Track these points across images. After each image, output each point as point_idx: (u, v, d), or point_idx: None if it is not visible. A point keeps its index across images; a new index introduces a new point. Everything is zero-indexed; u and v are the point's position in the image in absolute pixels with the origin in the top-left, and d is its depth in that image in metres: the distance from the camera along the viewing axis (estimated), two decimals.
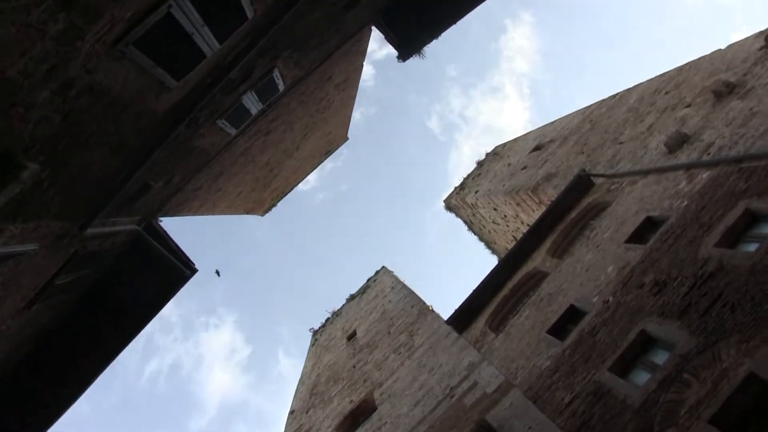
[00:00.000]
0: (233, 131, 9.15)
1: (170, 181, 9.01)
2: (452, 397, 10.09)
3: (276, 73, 8.50)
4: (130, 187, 7.45)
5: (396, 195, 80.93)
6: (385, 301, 20.31)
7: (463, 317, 13.76)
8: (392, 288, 21.16)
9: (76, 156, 5.68)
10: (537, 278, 13.03)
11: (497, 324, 12.85)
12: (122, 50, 4.74)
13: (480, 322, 13.29)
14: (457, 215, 27.63)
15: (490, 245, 26.42)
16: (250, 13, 6.07)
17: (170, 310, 72.28)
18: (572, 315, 10.25)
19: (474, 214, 25.26)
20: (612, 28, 73.22)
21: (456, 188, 27.20)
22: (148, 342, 74.07)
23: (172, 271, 9.38)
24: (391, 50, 10.29)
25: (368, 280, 25.29)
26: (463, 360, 11.20)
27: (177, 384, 73.74)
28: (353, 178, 79.21)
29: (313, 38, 8.87)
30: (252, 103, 8.66)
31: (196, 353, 75.80)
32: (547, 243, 13.73)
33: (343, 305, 25.04)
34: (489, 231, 24.93)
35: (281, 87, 9.12)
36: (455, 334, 12.73)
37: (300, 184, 22.90)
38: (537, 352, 10.23)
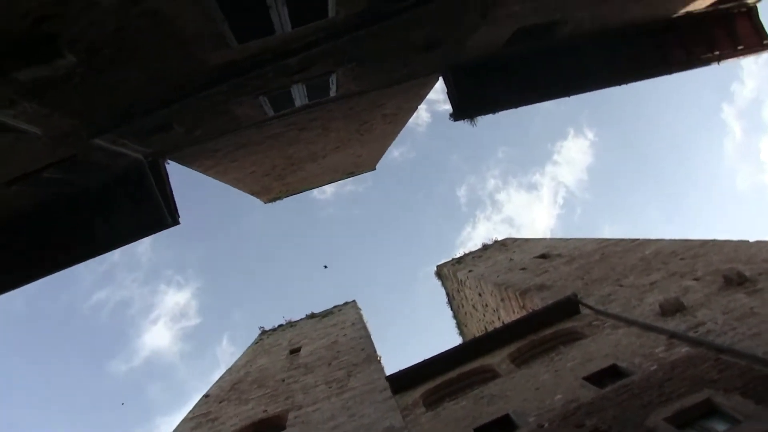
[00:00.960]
0: (271, 113, 9.19)
1: (192, 132, 9.02)
2: None
3: (333, 78, 8.56)
4: (153, 119, 7.46)
5: (398, 240, 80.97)
6: (341, 334, 20.15)
7: (404, 380, 13.58)
8: (353, 324, 21.03)
9: (115, 69, 5.71)
10: (488, 376, 12.89)
11: (432, 401, 12.67)
12: None
13: (417, 392, 13.10)
14: (443, 285, 27.56)
15: (460, 326, 26.31)
16: (332, 13, 6.14)
17: (143, 249, 71.98)
18: (504, 424, 10.11)
19: (458, 291, 25.17)
20: (665, 176, 73.93)
21: (453, 260, 27.14)
22: (109, 271, 73.77)
23: (156, 214, 9.33)
24: (449, 105, 10.33)
25: (335, 306, 25.19)
26: (385, 420, 11.05)
27: (116, 321, 73.17)
28: (367, 208, 79.42)
29: (381, 63, 8.95)
30: (299, 94, 8.72)
31: (148, 302, 75.33)
32: (512, 347, 13.63)
33: (301, 319, 24.88)
34: (465, 312, 24.82)
35: (332, 93, 9.18)
36: (389, 393, 12.58)
37: (315, 192, 22.93)
38: None
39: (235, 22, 5.64)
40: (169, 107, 7.24)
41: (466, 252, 27.33)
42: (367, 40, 7.32)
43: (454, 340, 30.63)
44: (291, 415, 13.04)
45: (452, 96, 10.16)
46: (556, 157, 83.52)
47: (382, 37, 7.44)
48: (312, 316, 24.82)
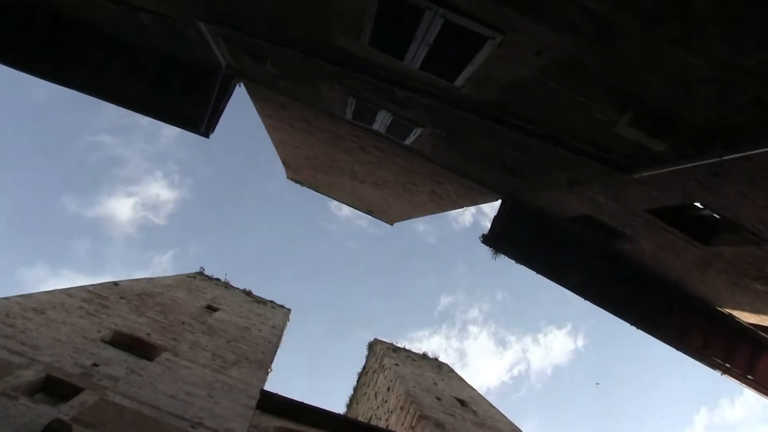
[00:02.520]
0: (348, 116, 9.26)
1: (279, 79, 9.13)
2: (182, 419, 9.75)
3: (417, 131, 8.63)
4: (257, 46, 7.57)
5: (367, 294, 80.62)
6: (258, 327, 19.91)
7: (274, 404, 13.32)
8: (273, 327, 20.83)
9: None
10: None
11: None
12: None
13: (275, 422, 12.83)
14: (367, 357, 27.17)
15: (353, 399, 25.87)
16: (459, 82, 6.18)
17: (167, 133, 72.20)
18: None
19: (375, 372, 24.79)
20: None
21: (392, 345, 26.84)
22: (128, 126, 74.17)
23: (197, 115, 9.39)
24: (488, 225, 10.38)
25: (272, 302, 25.00)
26: (231, 422, 10.81)
27: (99, 169, 73.10)
28: (366, 248, 79.40)
29: (465, 150, 9.02)
30: (381, 120, 8.78)
31: (137, 175, 75.26)
32: None
33: (237, 288, 24.70)
34: (365, 393, 24.42)
35: (407, 141, 9.24)
36: (253, 404, 12.34)
37: (334, 203, 22.92)
38: None
39: (378, 28, 5.71)
40: (278, 47, 7.33)
41: (407, 348, 27.06)
42: (469, 126, 7.38)
43: (337, 405, 30.17)
44: (165, 354, 12.79)
45: (495, 223, 10.19)
46: (540, 336, 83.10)
47: (482, 132, 7.51)
48: (248, 293, 24.62)
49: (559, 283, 10.64)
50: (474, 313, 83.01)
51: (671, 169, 5.67)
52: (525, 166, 8.29)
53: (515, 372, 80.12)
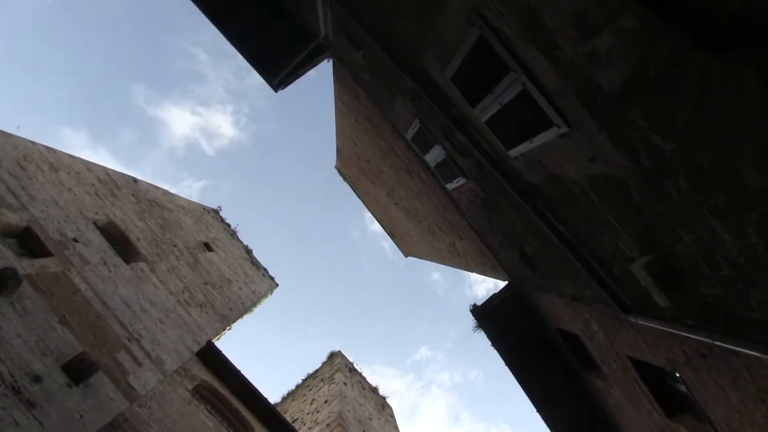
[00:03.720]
0: (408, 136, 9.30)
1: (365, 70, 9.21)
2: (123, 328, 9.79)
3: (460, 181, 8.62)
4: (357, 28, 7.67)
5: (355, 311, 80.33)
6: (243, 288, 19.97)
7: (211, 357, 13.35)
8: (253, 293, 20.85)
9: None
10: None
11: (198, 392, 12.39)
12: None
13: (203, 375, 12.85)
14: (324, 364, 27.02)
15: (290, 396, 25.72)
16: (514, 153, 6.18)
17: (247, 70, 73.13)
18: None
19: (322, 380, 24.66)
20: None
21: (351, 364, 26.71)
22: (220, 47, 75.33)
23: (276, 64, 9.52)
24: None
25: (270, 278, 25.09)
26: (167, 354, 10.84)
27: (175, 74, 74.38)
28: (374, 264, 79.21)
29: (495, 221, 8.96)
30: (434, 155, 8.79)
31: (205, 97, 76.38)
32: None
33: (245, 248, 24.82)
34: (304, 395, 24.27)
35: (447, 186, 9.23)
36: (195, 349, 12.37)
37: (369, 214, 22.92)
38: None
39: (464, 67, 5.74)
40: (375, 43, 7.41)
41: (363, 374, 26.87)
42: (508, 198, 7.34)
43: (273, 394, 30.04)
44: (142, 264, 12.89)
45: (492, 300, 10.11)
46: (492, 429, 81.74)
47: (516, 210, 7.46)
48: (248, 251, 24.75)
49: (521, 384, 10.49)
50: (444, 377, 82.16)
51: (665, 329, 5.54)
52: (541, 261, 8.21)
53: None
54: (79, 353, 8.28)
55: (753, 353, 4.40)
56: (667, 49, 3.31)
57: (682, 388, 6.69)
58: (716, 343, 4.76)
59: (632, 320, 6.14)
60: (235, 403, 13.20)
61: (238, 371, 13.74)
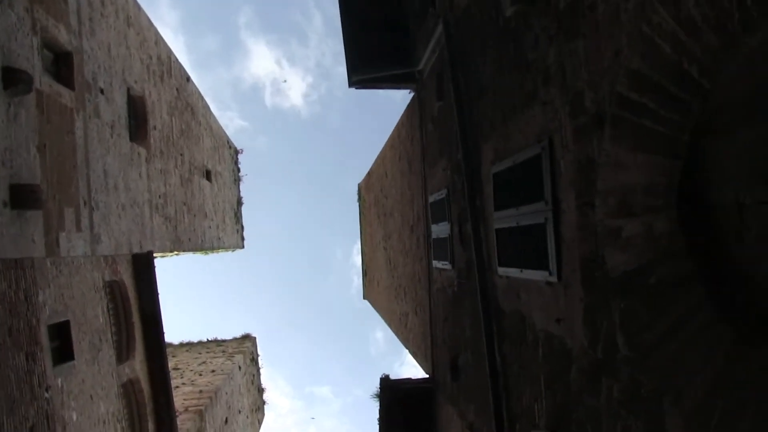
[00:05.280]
0: (428, 198, 9.34)
1: (433, 110, 9.30)
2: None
3: (447, 266, 8.62)
4: (445, 82, 7.77)
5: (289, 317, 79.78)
6: (212, 231, 19.93)
7: (142, 260, 13.24)
8: (220, 237, 20.80)
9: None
10: None
11: None
12: None
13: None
14: (232, 341, 26.77)
15: (188, 346, 25.40)
16: (501, 272, 6.18)
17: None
18: None
19: (224, 352, 24.38)
20: None
21: (256, 357, 26.44)
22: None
23: (359, 65, 9.66)
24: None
25: (242, 227, 25.05)
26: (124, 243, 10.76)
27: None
28: (338, 292, 78.78)
29: (449, 323, 8.92)
30: (439, 228, 8.83)
31: (309, 57, 77.10)
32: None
33: (237, 189, 24.81)
34: (199, 354, 23.98)
35: (434, 265, 9.23)
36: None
37: (357, 248, 23.02)
38: None
39: (510, 171, 5.79)
40: (456, 96, 7.51)
41: (261, 373, 26.60)
42: (472, 307, 7.31)
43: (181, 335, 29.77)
44: (145, 152, 12.88)
45: (404, 381, 10.02)
46: None
47: (473, 323, 7.42)
48: (239, 203, 24.83)
49: None
50: (327, 425, 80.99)
51: None
52: (465, 378, 8.12)
53: None
54: (35, 185, 8.23)
55: None
56: (680, 274, 3.31)
57: None
58: None
59: None
60: (135, 319, 13.02)
61: (157, 296, 13.58)
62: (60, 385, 9.27)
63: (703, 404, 3.08)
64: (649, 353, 3.63)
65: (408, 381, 10.18)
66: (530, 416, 5.63)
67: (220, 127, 22.31)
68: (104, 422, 10.89)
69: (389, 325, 15.97)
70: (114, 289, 12.29)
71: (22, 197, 7.88)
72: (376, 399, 10.04)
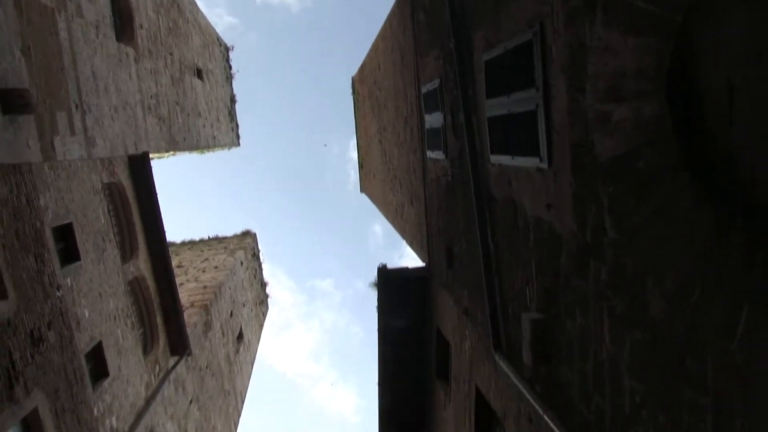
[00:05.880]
0: (421, 89, 9.24)
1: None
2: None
3: (441, 155, 8.66)
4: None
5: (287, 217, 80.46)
6: (206, 129, 19.79)
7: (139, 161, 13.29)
8: (215, 135, 20.70)
9: None
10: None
11: None
12: None
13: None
14: (234, 237, 27.19)
15: (191, 245, 25.85)
16: (494, 160, 6.22)
17: None
18: None
19: (226, 248, 24.84)
20: None
21: (257, 252, 26.94)
22: None
23: None
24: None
25: (237, 125, 24.88)
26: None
27: None
28: (331, 189, 79.14)
29: (444, 212, 9.06)
30: (432, 118, 8.79)
31: None
32: None
33: (230, 89, 24.44)
34: (201, 251, 24.43)
35: (429, 154, 9.25)
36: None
37: (353, 144, 22.91)
38: None
39: (501, 58, 5.72)
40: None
41: (262, 268, 27.16)
42: (465, 196, 7.41)
43: (182, 234, 30.20)
44: (133, 51, 12.62)
45: (402, 270, 10.29)
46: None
47: (466, 213, 7.54)
48: (230, 110, 24.52)
49: (379, 357, 10.80)
50: (328, 316, 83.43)
51: (515, 382, 5.77)
52: (459, 265, 8.34)
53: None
54: (23, 89, 8.13)
55: None
56: (667, 159, 3.36)
57: None
58: (545, 417, 4.98)
59: (496, 358, 6.35)
60: (135, 219, 13.21)
61: (156, 195, 13.70)
62: (69, 284, 9.55)
63: (684, 284, 3.22)
64: (635, 236, 3.74)
65: (405, 270, 10.46)
66: (522, 300, 5.86)
67: (209, 24, 21.71)
68: (115, 318, 11.29)
69: (386, 216, 16.20)
70: (113, 191, 12.41)
71: (11, 102, 7.82)
72: (375, 288, 10.37)
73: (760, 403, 2.64)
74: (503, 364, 6.12)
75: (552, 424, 4.86)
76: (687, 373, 3.16)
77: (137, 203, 13.28)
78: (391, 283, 10.17)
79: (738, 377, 2.78)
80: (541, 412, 5.02)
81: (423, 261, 10.74)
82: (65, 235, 9.76)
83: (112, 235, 12.02)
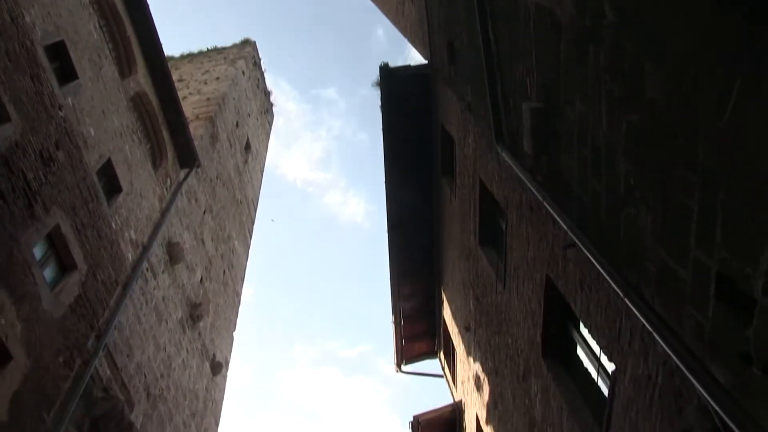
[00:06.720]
0: None
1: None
2: None
3: None
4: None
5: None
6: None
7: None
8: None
9: None
10: None
11: None
12: None
13: None
14: (233, 47, 26.52)
15: (187, 58, 25.30)
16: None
17: None
18: None
19: (225, 59, 24.35)
20: None
21: (259, 62, 26.40)
22: None
23: None
24: None
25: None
26: None
27: None
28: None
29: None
30: None
31: None
32: None
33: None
34: (201, 64, 23.97)
35: None
36: None
37: None
38: None
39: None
40: None
41: (265, 77, 26.77)
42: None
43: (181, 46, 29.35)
44: None
45: (405, 68, 10.16)
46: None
47: (467, 3, 7.26)
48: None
49: (386, 157, 10.97)
50: (335, 123, 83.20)
51: (517, 172, 5.92)
52: (461, 59, 8.20)
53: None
54: None
55: (563, 225, 4.86)
56: None
57: (502, 225, 7.33)
58: (545, 204, 5.18)
59: (498, 150, 6.47)
60: (130, 33, 12.81)
61: (147, 7, 13.12)
62: (71, 103, 9.54)
63: (681, 63, 3.18)
64: (633, 19, 3.64)
65: (408, 68, 10.29)
66: (522, 90, 5.84)
67: None
68: (121, 135, 11.41)
69: (387, 15, 15.62)
70: (101, 4, 11.93)
71: None
72: (377, 87, 10.25)
73: (741, 176, 2.73)
74: (505, 155, 6.24)
75: (551, 210, 5.07)
76: (679, 152, 3.23)
77: (128, 16, 12.82)
78: (393, 81, 10.04)
79: (725, 153, 2.84)
80: (540, 198, 5.21)
81: (425, 58, 10.53)
82: (59, 54, 9.57)
83: (107, 51, 11.77)
